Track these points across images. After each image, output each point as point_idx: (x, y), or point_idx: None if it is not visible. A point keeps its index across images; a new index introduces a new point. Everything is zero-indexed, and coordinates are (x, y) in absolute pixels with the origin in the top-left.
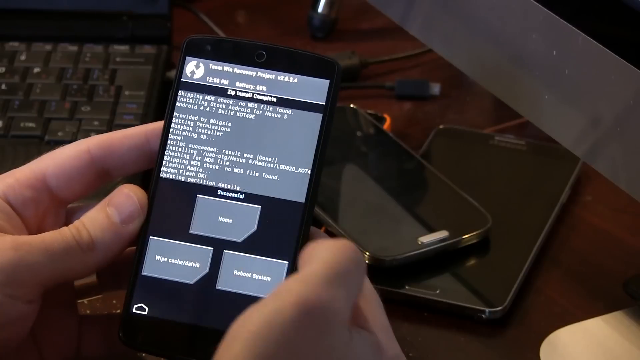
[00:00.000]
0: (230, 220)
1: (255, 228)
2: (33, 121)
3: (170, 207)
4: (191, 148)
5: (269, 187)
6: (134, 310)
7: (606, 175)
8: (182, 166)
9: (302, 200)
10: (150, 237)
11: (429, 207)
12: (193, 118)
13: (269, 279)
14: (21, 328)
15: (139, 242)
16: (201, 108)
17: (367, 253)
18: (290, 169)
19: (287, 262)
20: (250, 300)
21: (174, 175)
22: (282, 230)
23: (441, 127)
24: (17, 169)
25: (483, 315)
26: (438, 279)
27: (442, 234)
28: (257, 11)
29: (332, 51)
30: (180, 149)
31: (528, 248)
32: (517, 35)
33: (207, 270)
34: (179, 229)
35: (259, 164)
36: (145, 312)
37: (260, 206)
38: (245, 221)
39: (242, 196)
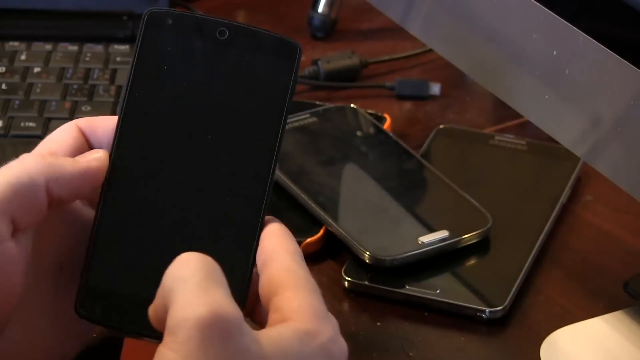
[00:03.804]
0: (193, 199)
1: (217, 207)
2: (33, 121)
3: (128, 182)
4: (149, 124)
5: (230, 171)
6: (92, 283)
7: (606, 175)
8: (140, 142)
9: (264, 185)
10: (107, 208)
11: (429, 207)
12: (152, 93)
13: (230, 251)
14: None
15: (97, 212)
16: (160, 83)
17: (367, 253)
18: (249, 152)
19: (251, 241)
20: None
21: (131, 150)
22: (243, 211)
23: (441, 126)
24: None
25: (483, 315)
26: (438, 279)
27: (442, 233)
28: (257, 11)
29: (332, 51)
30: (137, 126)
31: (528, 248)
32: (517, 35)
33: (167, 245)
34: (139, 200)
35: (219, 143)
36: (104, 285)
37: (221, 187)
38: (207, 200)
39: (202, 176)
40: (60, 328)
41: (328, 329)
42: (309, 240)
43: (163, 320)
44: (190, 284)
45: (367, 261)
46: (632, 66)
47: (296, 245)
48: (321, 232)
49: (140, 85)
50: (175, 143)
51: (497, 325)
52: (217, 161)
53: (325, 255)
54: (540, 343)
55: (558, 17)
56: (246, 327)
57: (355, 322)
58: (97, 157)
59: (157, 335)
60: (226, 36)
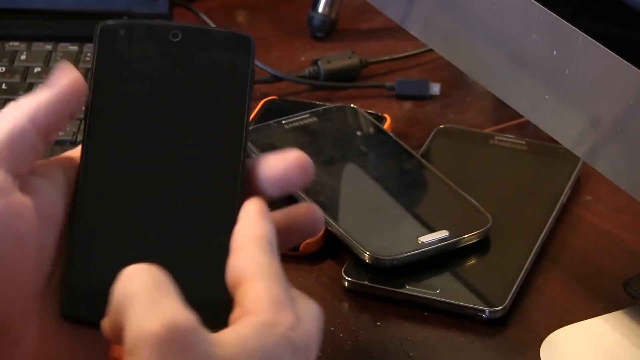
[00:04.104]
0: (167, 192)
1: (192, 198)
2: None
3: (101, 181)
4: (115, 130)
5: (201, 163)
6: (74, 283)
7: (606, 175)
8: (109, 146)
9: (236, 175)
10: (83, 208)
11: (429, 207)
12: (114, 102)
13: (211, 239)
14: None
15: (73, 212)
16: (122, 92)
17: (367, 253)
18: (218, 143)
19: (231, 230)
20: (194, 264)
21: (101, 155)
22: (219, 201)
23: (441, 126)
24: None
25: (483, 315)
26: (438, 279)
27: (442, 233)
28: (257, 11)
29: (332, 51)
30: (104, 133)
31: (528, 248)
32: (517, 35)
33: (146, 237)
34: (114, 197)
35: (188, 138)
36: (87, 284)
37: (194, 179)
38: (182, 192)
39: (174, 171)
40: (75, 338)
41: (287, 316)
42: (309, 240)
43: (120, 337)
44: (138, 301)
45: (367, 261)
46: (632, 66)
47: (267, 227)
48: (321, 232)
49: (102, 97)
50: (144, 143)
51: (497, 325)
52: (187, 155)
53: (325, 255)
54: (540, 343)
55: (558, 17)
56: (203, 332)
57: (355, 322)
58: (69, 73)
59: None
60: (179, 38)
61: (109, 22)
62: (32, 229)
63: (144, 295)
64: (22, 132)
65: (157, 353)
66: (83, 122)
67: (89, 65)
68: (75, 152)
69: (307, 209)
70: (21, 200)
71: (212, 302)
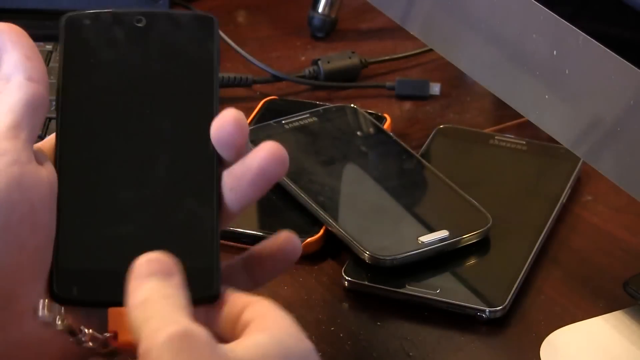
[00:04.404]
0: (146, 172)
1: (170, 177)
2: None
3: (80, 166)
4: (88, 116)
5: (175, 143)
6: (63, 264)
7: (606, 175)
8: (83, 131)
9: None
10: (65, 193)
11: (429, 207)
12: (84, 88)
13: (193, 212)
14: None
15: (60, 194)
16: (90, 78)
17: (367, 253)
18: (190, 121)
19: (211, 203)
20: (183, 234)
21: (75, 139)
22: (197, 177)
23: (441, 126)
24: None
25: (483, 315)
26: (438, 279)
27: (442, 233)
28: (257, 11)
29: (332, 51)
30: (77, 120)
31: (528, 248)
32: (517, 35)
33: (129, 213)
34: (94, 178)
35: (160, 120)
36: (76, 264)
37: (170, 159)
38: (161, 171)
39: (150, 152)
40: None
41: (307, 343)
42: (309, 240)
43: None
44: (151, 315)
45: (367, 261)
46: (632, 66)
47: None
48: (321, 232)
49: (73, 86)
50: (117, 125)
51: (497, 325)
52: (162, 134)
53: (325, 255)
54: (540, 343)
55: (558, 16)
56: (216, 342)
57: (355, 322)
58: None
59: None
60: (144, 23)
61: (74, 13)
62: (44, 200)
63: (159, 307)
64: (40, 98)
65: (172, 348)
66: (55, 112)
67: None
68: (49, 140)
69: (285, 239)
70: (37, 171)
71: (200, 271)
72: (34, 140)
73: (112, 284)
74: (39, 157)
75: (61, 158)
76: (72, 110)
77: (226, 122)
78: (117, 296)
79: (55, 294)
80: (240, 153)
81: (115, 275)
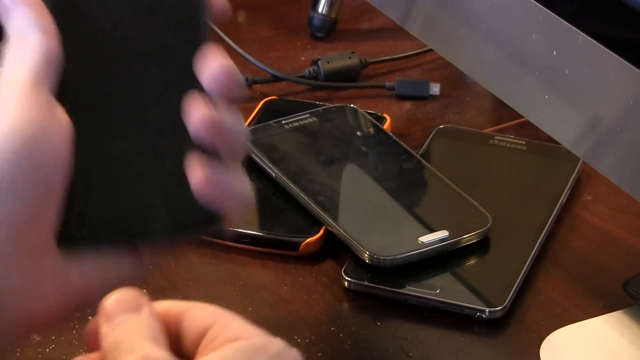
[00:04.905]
0: (131, 108)
1: (154, 111)
2: None
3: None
4: (76, 64)
5: (164, 86)
6: (71, 209)
7: (606, 175)
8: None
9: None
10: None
11: (429, 207)
12: (70, 41)
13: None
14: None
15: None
16: (76, 31)
17: (367, 253)
18: (178, 66)
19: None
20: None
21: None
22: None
23: (441, 126)
24: None
25: (483, 315)
26: (438, 279)
27: (442, 233)
28: (257, 11)
29: (332, 51)
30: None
31: (528, 248)
32: (517, 35)
33: (132, 155)
34: (86, 125)
35: (148, 66)
36: (83, 207)
37: (158, 102)
38: (144, 108)
39: (139, 98)
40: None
41: (278, 342)
42: (309, 240)
43: None
44: (122, 345)
45: (367, 261)
46: (632, 66)
47: None
48: (321, 232)
49: (62, 37)
50: (107, 71)
51: (497, 325)
52: (151, 79)
53: (325, 255)
54: (540, 343)
55: (558, 17)
56: None
57: (355, 322)
58: None
59: (149, 237)
60: None
61: None
62: (61, 154)
63: (126, 339)
64: (57, 53)
65: None
66: None
67: None
68: None
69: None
70: (63, 117)
71: (186, 209)
72: (53, 95)
73: (116, 225)
74: (59, 111)
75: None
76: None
77: (219, 72)
78: (121, 236)
79: (63, 241)
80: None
81: (118, 217)
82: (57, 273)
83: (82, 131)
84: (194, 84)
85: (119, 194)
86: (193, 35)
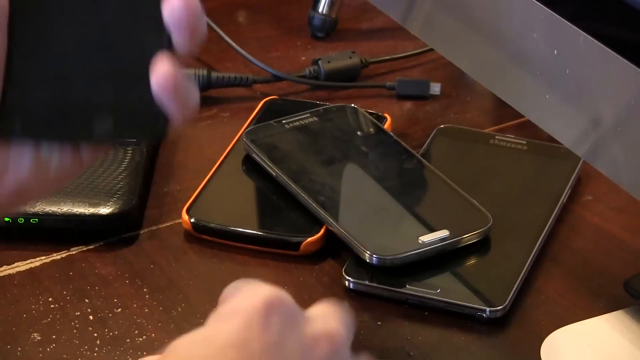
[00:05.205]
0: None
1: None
2: None
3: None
4: None
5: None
6: (8, 96)
7: (607, 174)
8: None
9: None
10: (21, 25)
11: (430, 207)
12: None
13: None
14: None
15: (10, 22)
16: None
17: (368, 252)
18: None
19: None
20: (129, 66)
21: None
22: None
23: (442, 126)
24: None
25: (483, 315)
26: (438, 278)
27: (443, 233)
28: (257, 11)
29: (333, 50)
30: None
31: (528, 247)
32: (518, 35)
33: (82, 45)
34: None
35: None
36: (22, 96)
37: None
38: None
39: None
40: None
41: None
42: (309, 239)
43: None
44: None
45: (368, 261)
46: (633, 66)
47: None
48: (322, 231)
49: None
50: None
51: (497, 325)
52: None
53: (325, 255)
54: (540, 343)
55: (559, 16)
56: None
57: (356, 322)
58: None
59: (88, 137)
60: None
61: None
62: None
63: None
64: None
65: (263, 310)
66: None
67: None
68: None
69: None
70: None
71: (133, 110)
72: None
73: (56, 119)
74: None
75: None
76: None
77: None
78: (60, 132)
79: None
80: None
81: (59, 111)
82: None
83: (26, 10)
84: None
85: (65, 87)
86: None
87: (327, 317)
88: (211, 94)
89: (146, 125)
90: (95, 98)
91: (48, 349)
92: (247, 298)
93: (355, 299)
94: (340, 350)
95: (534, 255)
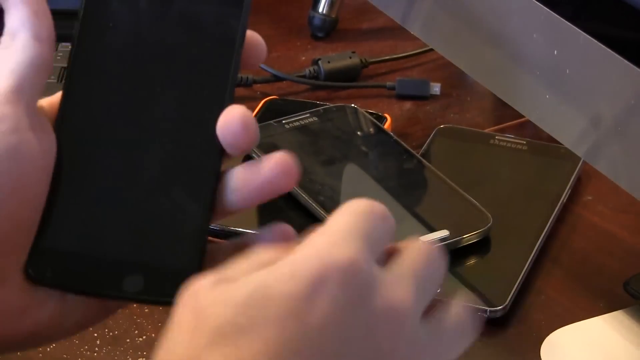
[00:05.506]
0: (146, 151)
1: (170, 160)
2: None
3: (79, 136)
4: (97, 79)
5: (182, 120)
6: (42, 241)
7: (607, 174)
8: (90, 97)
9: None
10: (60, 167)
11: (430, 207)
12: (100, 49)
13: (186, 205)
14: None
15: (53, 173)
16: (108, 39)
17: None
18: (201, 99)
19: (208, 195)
20: (170, 228)
21: (80, 105)
22: (199, 163)
23: (442, 126)
24: None
25: (483, 315)
26: None
27: (443, 233)
28: (257, 11)
29: (333, 51)
30: (86, 82)
31: (528, 247)
32: (518, 35)
33: (124, 197)
34: (90, 154)
35: (170, 93)
36: (56, 245)
37: (174, 138)
38: (161, 152)
39: (154, 127)
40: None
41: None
42: None
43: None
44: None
45: None
46: (633, 66)
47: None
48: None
49: (87, 43)
50: (126, 96)
51: (497, 324)
52: (168, 112)
53: None
54: (540, 343)
55: (559, 16)
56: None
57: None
58: None
59: (118, 294)
60: None
61: None
62: (39, 173)
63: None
64: (45, 60)
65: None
66: (66, 70)
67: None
68: (55, 98)
69: (280, 232)
70: (36, 140)
71: (176, 270)
72: (36, 104)
73: (88, 271)
74: (40, 123)
75: (61, 128)
76: (80, 75)
77: (233, 121)
78: (90, 285)
79: (28, 272)
80: (247, 152)
81: (95, 263)
82: (15, 300)
83: (72, 159)
84: (208, 126)
85: (101, 240)
86: (220, 72)
87: (400, 280)
88: None
89: (177, 289)
90: (131, 256)
91: (48, 349)
92: (322, 258)
93: None
94: (403, 328)
95: (534, 255)
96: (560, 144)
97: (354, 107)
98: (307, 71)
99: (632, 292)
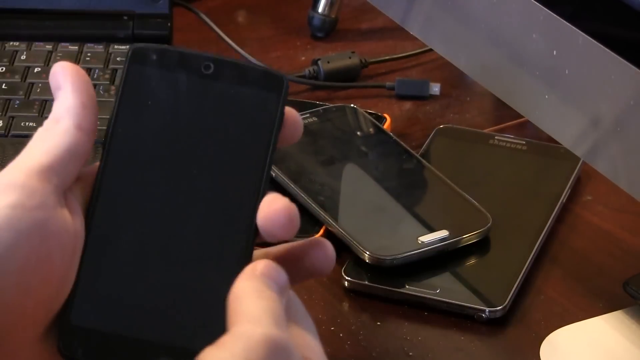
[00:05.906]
0: (180, 233)
1: (204, 242)
2: (34, 120)
3: (114, 213)
4: (134, 159)
5: (217, 203)
6: (74, 320)
7: (606, 175)
8: (125, 175)
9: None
10: (93, 242)
11: (429, 207)
12: (137, 127)
13: (219, 286)
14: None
15: (85, 249)
16: (145, 118)
17: (367, 253)
18: (235, 185)
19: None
20: (200, 311)
21: (116, 182)
22: (231, 246)
23: (441, 126)
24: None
25: (483, 315)
26: (438, 279)
27: (442, 233)
28: (257, 11)
29: (332, 51)
30: (122, 160)
31: (528, 247)
32: (517, 35)
33: (154, 281)
34: (125, 233)
35: (205, 176)
36: (88, 323)
37: (208, 220)
38: (195, 234)
39: (188, 210)
40: None
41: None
42: None
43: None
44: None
45: (367, 261)
46: (632, 66)
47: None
48: (321, 231)
49: (125, 121)
50: (161, 177)
51: (497, 325)
52: (202, 193)
53: None
54: (540, 343)
55: (558, 17)
56: None
57: (355, 322)
58: (66, 67)
59: None
60: (211, 70)
61: (142, 45)
62: (64, 251)
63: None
64: (83, 148)
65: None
66: (102, 146)
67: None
68: (92, 170)
69: (319, 246)
70: (64, 219)
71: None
72: (66, 187)
73: (120, 351)
74: (70, 204)
75: (94, 208)
76: (116, 155)
77: (278, 214)
78: None
79: (60, 350)
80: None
81: (124, 343)
82: None
83: (106, 237)
84: (243, 209)
85: (132, 321)
86: (257, 155)
87: None
88: None
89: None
90: (162, 337)
91: None
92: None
93: (355, 299)
94: None
95: (533, 255)
96: (560, 144)
97: (353, 107)
98: (306, 71)
99: (631, 292)
